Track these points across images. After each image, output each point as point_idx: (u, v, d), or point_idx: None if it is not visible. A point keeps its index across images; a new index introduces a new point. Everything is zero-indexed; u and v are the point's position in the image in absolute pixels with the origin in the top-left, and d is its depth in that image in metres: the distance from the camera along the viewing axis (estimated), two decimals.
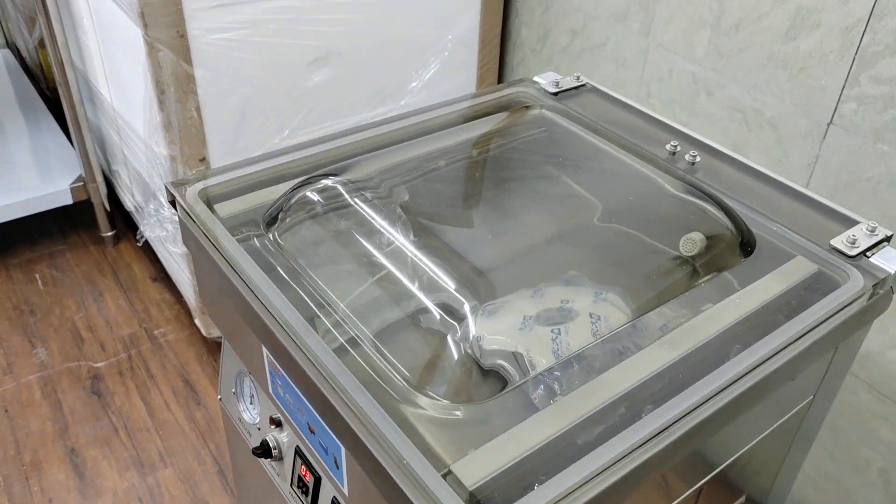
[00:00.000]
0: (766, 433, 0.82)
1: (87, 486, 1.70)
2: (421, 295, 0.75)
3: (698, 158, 0.95)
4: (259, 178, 0.87)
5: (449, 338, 0.72)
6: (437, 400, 0.64)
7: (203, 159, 1.62)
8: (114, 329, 2.06)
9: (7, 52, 2.88)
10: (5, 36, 2.92)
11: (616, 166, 0.96)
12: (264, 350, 0.76)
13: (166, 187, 0.83)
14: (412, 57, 1.80)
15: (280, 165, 0.89)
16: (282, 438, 0.86)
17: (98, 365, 1.96)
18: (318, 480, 0.79)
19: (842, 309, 0.76)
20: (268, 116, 1.66)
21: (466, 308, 0.74)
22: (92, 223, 2.35)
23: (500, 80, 2.04)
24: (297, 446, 0.82)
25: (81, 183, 2.19)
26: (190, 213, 0.79)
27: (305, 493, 0.83)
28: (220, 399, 1.01)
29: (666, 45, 1.55)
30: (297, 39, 1.61)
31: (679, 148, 0.97)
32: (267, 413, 0.87)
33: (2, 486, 1.69)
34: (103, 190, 2.21)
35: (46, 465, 1.73)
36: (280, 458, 0.87)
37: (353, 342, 0.68)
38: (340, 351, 0.67)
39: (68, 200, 2.19)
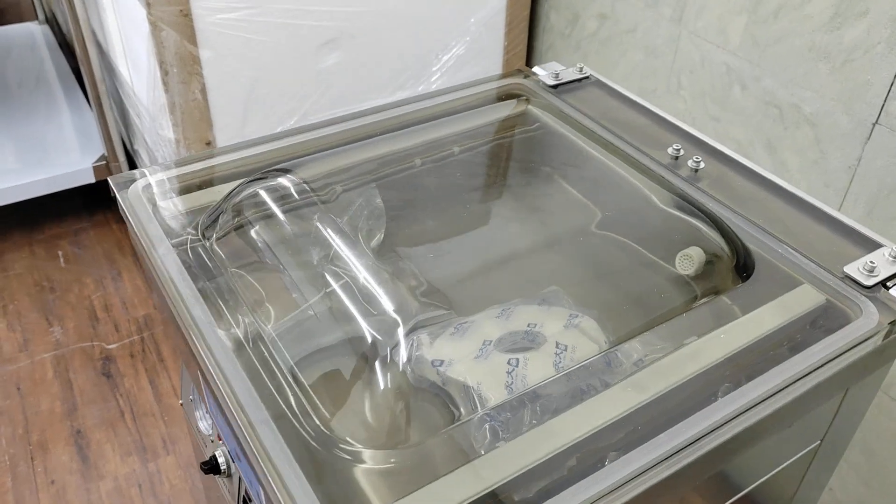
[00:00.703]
0: (759, 482, 0.72)
1: (90, 469, 1.69)
2: (358, 316, 0.67)
3: (703, 164, 0.85)
4: (218, 174, 0.80)
5: (378, 367, 0.64)
6: (352, 445, 0.56)
7: (209, 143, 1.57)
8: (129, 309, 2.05)
9: (46, 27, 2.89)
10: (45, 11, 2.93)
11: (607, 172, 0.86)
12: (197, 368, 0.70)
13: (108, 182, 0.77)
14: (432, 40, 1.71)
15: (243, 159, 0.82)
16: (229, 457, 0.80)
17: (110, 346, 1.95)
18: None
19: (851, 348, 0.66)
20: (277, 100, 1.60)
21: (400, 332, 0.66)
22: (116, 202, 2.33)
23: (529, 65, 1.93)
24: (236, 468, 0.76)
25: (104, 162, 2.17)
26: (128, 212, 0.74)
27: None
28: (182, 404, 0.96)
29: (699, 32, 1.43)
30: (308, 20, 1.54)
31: (683, 152, 0.86)
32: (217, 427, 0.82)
33: (7, 465, 1.69)
34: (125, 169, 2.19)
35: (52, 446, 1.73)
36: (228, 475, 0.81)
37: (275, 371, 0.61)
38: (260, 381, 0.60)
39: (90, 179, 2.18)
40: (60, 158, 2.19)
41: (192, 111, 1.51)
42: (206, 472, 0.80)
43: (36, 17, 2.92)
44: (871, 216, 1.20)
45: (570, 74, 1.01)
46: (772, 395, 0.61)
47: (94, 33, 1.98)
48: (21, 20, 3.02)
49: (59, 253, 2.22)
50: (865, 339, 0.67)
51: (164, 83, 1.48)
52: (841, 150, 1.25)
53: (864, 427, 1.29)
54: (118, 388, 1.85)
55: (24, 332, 1.98)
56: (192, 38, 1.45)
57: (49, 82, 2.58)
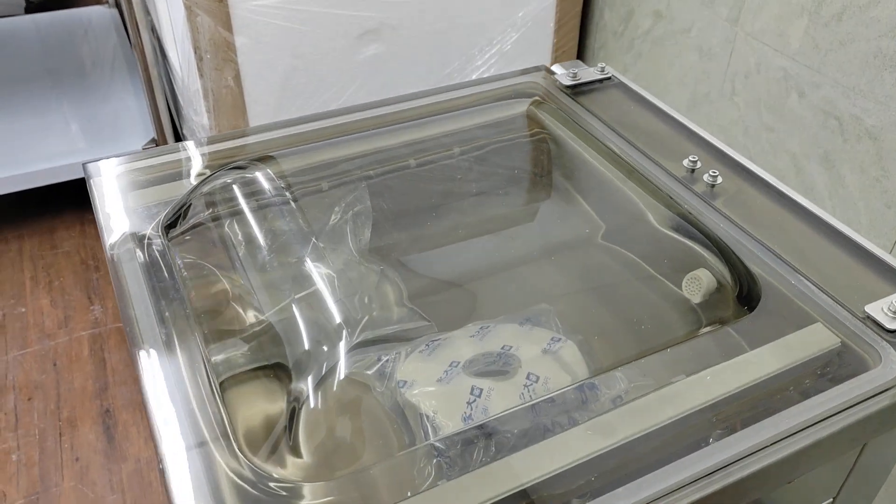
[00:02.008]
0: None
1: (115, 449, 1.70)
2: (301, 329, 0.62)
3: (720, 179, 0.76)
4: (197, 164, 0.77)
5: (310, 384, 0.59)
6: (278, 481, 0.51)
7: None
8: None
9: (115, 11, 2.96)
10: None
11: (609, 184, 0.79)
12: None
13: (83, 167, 0.74)
14: (477, 34, 1.65)
15: (229, 150, 0.78)
16: None
17: None
18: None
19: (867, 399, 0.57)
20: (313, 91, 1.57)
21: (342, 347, 0.60)
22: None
23: None
24: None
25: (154, 145, 2.20)
26: (97, 200, 0.70)
27: None
28: None
29: (756, 34, 1.33)
30: (347, 9, 1.50)
31: (700, 164, 0.78)
32: None
33: (37, 439, 1.72)
34: None
35: (80, 423, 1.75)
36: None
37: (204, 390, 0.57)
38: (187, 402, 0.55)
39: None
40: (117, 140, 2.23)
41: (225, 98, 1.49)
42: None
43: (106, 0, 2.99)
44: (888, 252, 1.09)
45: (589, 75, 0.94)
46: (764, 448, 0.54)
47: (147, 17, 1.99)
48: (94, 2, 3.10)
49: None
50: (886, 390, 0.58)
51: (199, 69, 1.47)
52: None
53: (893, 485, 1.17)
54: None
55: (66, 308, 2.02)
56: (227, 24, 1.43)
57: (116, 65, 2.63)
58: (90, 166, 0.74)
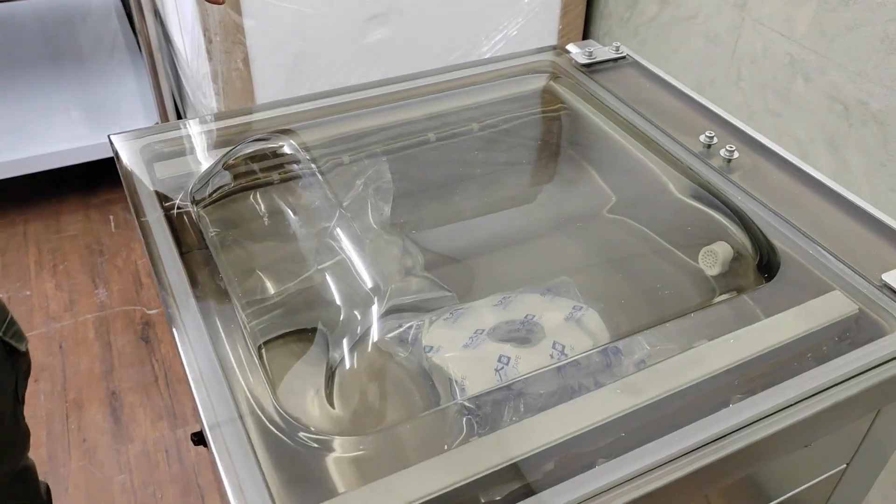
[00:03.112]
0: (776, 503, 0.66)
1: (122, 430, 1.71)
2: (336, 294, 0.64)
3: (736, 154, 0.77)
4: (221, 137, 0.78)
5: (345, 346, 0.60)
6: (311, 433, 0.52)
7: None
8: None
9: None
10: None
11: (625, 158, 0.80)
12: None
13: (109, 139, 0.75)
14: (484, 19, 1.65)
15: (251, 123, 0.79)
16: None
17: (151, 312, 1.98)
18: None
19: (883, 364, 0.59)
20: (321, 74, 1.58)
21: (374, 312, 0.62)
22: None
23: None
24: None
25: None
26: (125, 172, 0.71)
27: None
28: None
29: (763, 19, 1.34)
30: None
31: (716, 139, 0.79)
32: None
33: (44, 421, 1.73)
34: None
35: (87, 405, 1.76)
36: None
37: (241, 350, 0.58)
38: (226, 361, 0.57)
39: None
40: (120, 124, 2.23)
41: (234, 81, 1.50)
42: (196, 443, 0.78)
43: None
44: None
45: (604, 53, 0.95)
46: (783, 409, 0.55)
47: (152, 1, 1.99)
48: None
49: (111, 217, 2.26)
50: None
51: (208, 51, 1.48)
52: None
53: None
54: (155, 354, 1.88)
55: (71, 292, 2.02)
56: (236, 6, 1.43)
57: (118, 50, 2.63)
58: (116, 138, 0.75)
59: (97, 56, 2.61)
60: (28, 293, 2.01)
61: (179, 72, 2.03)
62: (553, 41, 1.77)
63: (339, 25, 1.53)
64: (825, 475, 0.68)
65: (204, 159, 0.74)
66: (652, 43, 1.63)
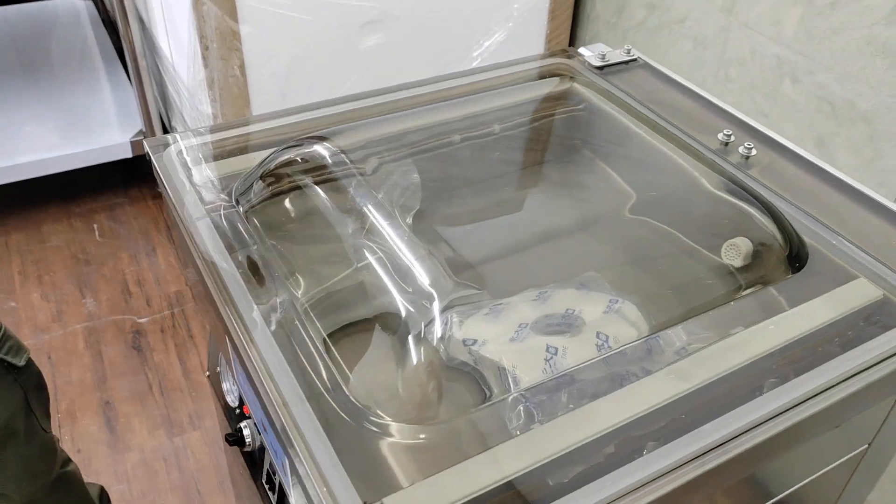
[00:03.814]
0: (800, 485, 0.69)
1: (117, 440, 1.70)
2: (392, 290, 0.65)
3: (754, 152, 0.81)
4: (253, 141, 0.79)
5: (412, 341, 0.62)
6: (381, 418, 0.54)
7: None
8: (161, 285, 2.06)
9: (90, 3, 2.92)
10: None
11: (652, 155, 0.83)
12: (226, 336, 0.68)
13: (144, 145, 0.76)
14: (474, 24, 1.68)
15: (278, 128, 0.80)
16: (256, 430, 0.79)
17: (142, 320, 1.96)
18: (282, 484, 0.71)
19: None
20: (316, 80, 1.59)
21: (436, 307, 0.64)
22: (153, 178, 2.35)
23: None
24: (262, 440, 0.75)
25: (142, 137, 2.19)
26: (163, 176, 0.72)
27: (273, 491, 0.75)
28: (208, 375, 0.95)
29: (751, 23, 1.39)
30: (350, 0, 1.53)
31: (734, 138, 0.83)
32: (243, 400, 0.81)
33: None
34: None
35: (80, 416, 1.74)
36: (253, 450, 0.80)
37: (307, 342, 0.59)
38: (291, 352, 0.58)
39: (128, 154, 2.19)
40: (99, 133, 2.21)
41: (231, 87, 1.50)
42: (231, 443, 0.79)
43: None
44: None
45: (616, 56, 0.98)
46: (822, 392, 0.58)
47: (136, 8, 1.98)
48: None
49: (96, 226, 2.24)
50: None
51: (204, 58, 1.48)
52: None
53: None
54: (147, 362, 1.86)
55: (58, 302, 2.00)
56: (233, 13, 1.44)
57: (91, 57, 2.60)
58: (148, 143, 0.76)
59: (69, 64, 2.58)
60: (14, 305, 1.98)
61: (165, 79, 2.02)
62: (541, 45, 1.80)
63: (334, 31, 1.54)
64: (849, 455, 0.72)
65: (237, 163, 0.76)
66: (640, 46, 1.67)
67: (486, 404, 0.58)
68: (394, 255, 0.67)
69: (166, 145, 0.77)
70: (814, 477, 0.70)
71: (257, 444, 0.79)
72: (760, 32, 1.38)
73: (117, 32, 2.64)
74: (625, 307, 0.67)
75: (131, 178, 2.41)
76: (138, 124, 2.19)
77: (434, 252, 0.73)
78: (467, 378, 0.64)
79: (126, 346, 1.90)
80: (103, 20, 2.81)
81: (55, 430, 1.71)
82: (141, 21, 2.01)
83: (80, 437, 1.70)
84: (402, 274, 0.66)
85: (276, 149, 0.76)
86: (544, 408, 0.56)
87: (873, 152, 1.24)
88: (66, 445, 1.68)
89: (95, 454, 1.66)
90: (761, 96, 1.41)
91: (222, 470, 1.64)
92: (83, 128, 2.23)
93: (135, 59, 2.01)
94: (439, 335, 0.61)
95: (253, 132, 0.81)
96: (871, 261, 0.69)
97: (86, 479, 1.60)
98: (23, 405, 0.97)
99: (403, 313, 0.64)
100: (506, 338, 0.64)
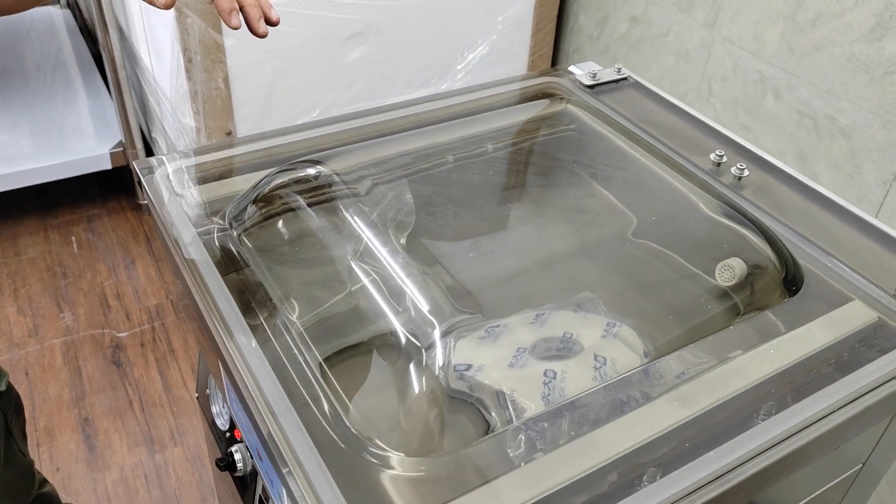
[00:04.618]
0: None
1: (97, 458, 1.67)
2: (389, 314, 0.65)
3: (746, 172, 0.82)
4: (241, 163, 0.78)
5: (412, 369, 0.61)
6: (382, 449, 0.54)
7: (230, 133, 1.55)
8: (141, 298, 2.03)
9: (67, 12, 2.88)
10: None
11: (646, 176, 0.84)
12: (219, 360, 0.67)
13: (134, 168, 0.75)
14: (459, 37, 1.68)
15: (266, 150, 0.80)
16: (248, 455, 0.78)
17: (121, 335, 1.93)
18: None
19: None
20: (300, 92, 1.58)
21: (436, 333, 0.63)
22: (132, 189, 2.32)
23: (554, 68, 1.91)
24: (254, 465, 0.74)
25: (121, 149, 2.16)
26: (154, 199, 0.71)
27: None
28: (197, 397, 0.93)
29: (733, 38, 1.40)
30: (334, 12, 1.52)
31: (725, 158, 0.84)
32: (234, 424, 0.79)
33: None
34: (143, 156, 2.17)
35: (59, 433, 1.71)
36: (244, 475, 0.79)
37: (304, 368, 0.59)
38: (287, 378, 0.57)
39: (107, 165, 2.16)
40: (77, 144, 2.18)
41: (215, 100, 1.49)
42: (222, 469, 0.78)
43: (57, 1, 2.91)
44: None
45: (607, 75, 0.99)
46: (826, 416, 0.59)
47: (116, 18, 1.96)
48: (42, 3, 3.00)
49: (73, 239, 2.20)
50: None
51: (187, 70, 1.46)
52: (876, 165, 1.22)
53: None
54: (127, 378, 1.83)
55: (34, 317, 1.96)
56: (217, 25, 1.42)
57: (67, 67, 2.56)
58: (139, 164, 0.75)
59: (45, 73, 2.54)
60: None
61: (146, 90, 2.00)
62: (525, 59, 1.81)
63: (318, 44, 1.53)
64: (845, 475, 0.72)
65: (228, 186, 0.75)
66: (623, 60, 1.68)
67: (489, 436, 0.57)
68: (391, 279, 0.67)
69: (155, 167, 0.76)
70: (809, 498, 0.71)
71: (248, 468, 0.77)
72: (742, 48, 1.39)
73: (95, 41, 2.61)
74: (623, 331, 0.67)
75: (109, 189, 2.38)
76: (117, 135, 2.16)
77: (431, 275, 0.73)
78: (468, 407, 0.64)
79: (105, 361, 1.87)
80: (80, 29, 2.77)
81: (33, 448, 1.67)
82: (120, 30, 1.98)
83: (58, 455, 1.67)
84: (399, 298, 0.65)
85: (270, 171, 0.75)
86: (546, 437, 0.56)
87: (853, 168, 1.26)
88: (45, 464, 1.65)
89: (74, 473, 1.63)
90: (744, 111, 1.43)
91: (205, 487, 1.61)
92: (61, 139, 2.19)
93: (114, 70, 1.99)
94: (441, 363, 0.61)
95: (242, 154, 0.80)
96: (865, 283, 0.70)
97: (65, 499, 1.57)
98: (2, 430, 0.95)
99: (402, 339, 0.63)
100: (504, 363, 0.64)
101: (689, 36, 1.50)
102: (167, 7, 0.61)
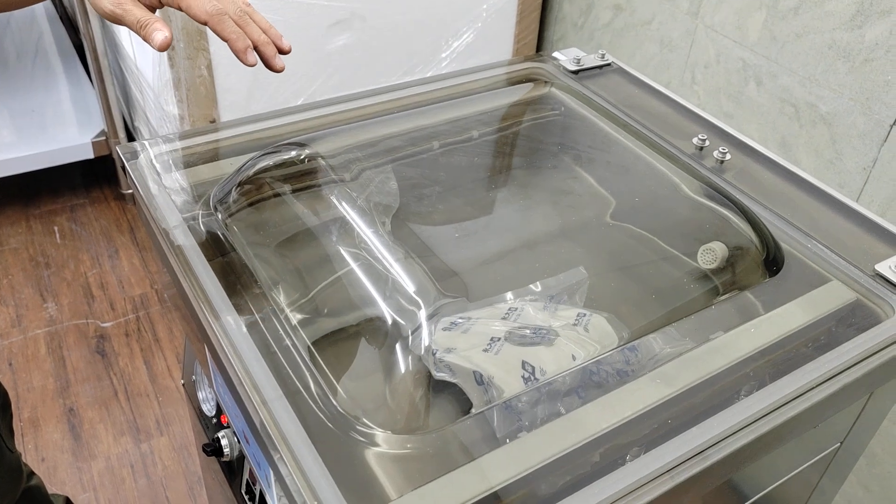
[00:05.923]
0: (777, 484, 0.71)
1: (82, 447, 1.67)
2: (376, 297, 0.65)
3: (728, 156, 0.83)
4: (225, 147, 0.78)
5: (398, 350, 0.62)
6: (370, 427, 0.54)
7: (213, 121, 1.54)
8: (125, 288, 2.02)
9: (48, 1, 2.85)
10: None
11: (630, 159, 0.84)
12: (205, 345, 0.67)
13: (117, 152, 0.75)
14: (443, 25, 1.68)
15: (250, 134, 0.80)
16: (234, 439, 0.78)
17: (105, 325, 1.93)
18: (262, 494, 0.71)
19: (881, 350, 0.64)
20: (284, 80, 1.57)
21: (422, 315, 0.64)
22: (115, 178, 2.31)
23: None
24: (241, 450, 0.74)
25: (104, 138, 2.14)
26: (137, 183, 0.71)
27: (252, 500, 0.75)
28: (183, 384, 0.93)
29: (716, 26, 1.41)
30: (318, 0, 1.51)
31: (708, 143, 0.84)
32: (221, 409, 0.80)
33: None
34: None
35: (43, 423, 1.70)
36: (231, 460, 0.79)
37: (291, 351, 0.59)
38: (275, 361, 0.58)
39: (89, 155, 2.15)
40: (59, 133, 2.16)
41: (198, 87, 1.48)
42: (209, 454, 0.78)
43: None
44: (884, 219, 1.19)
45: (591, 61, 0.99)
46: (805, 393, 0.60)
47: None
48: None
49: (56, 229, 2.19)
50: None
51: (170, 58, 1.45)
52: (856, 151, 1.23)
53: None
54: (112, 367, 1.83)
55: (17, 307, 1.95)
56: None
57: (48, 55, 2.54)
58: (122, 149, 0.75)
59: (25, 62, 2.51)
60: None
61: (128, 78, 1.99)
62: (509, 47, 1.81)
63: (302, 32, 1.53)
64: (823, 454, 0.74)
65: (212, 170, 0.75)
66: (607, 48, 1.69)
67: (473, 414, 0.58)
68: (377, 263, 0.67)
69: (139, 152, 0.76)
70: (788, 477, 0.72)
71: (235, 453, 0.78)
72: (725, 35, 1.40)
73: (76, 29, 2.58)
74: (594, 320, 0.68)
75: (92, 178, 2.36)
76: (100, 124, 2.14)
77: (416, 258, 0.73)
78: (453, 388, 0.65)
79: (90, 351, 1.86)
80: (61, 17, 2.74)
81: (18, 439, 1.67)
82: (101, 18, 1.96)
83: (44, 445, 1.66)
84: (385, 281, 0.65)
85: (253, 154, 0.75)
86: (530, 415, 0.57)
87: (833, 154, 1.27)
88: (30, 454, 1.65)
89: (60, 463, 1.63)
90: (726, 98, 1.44)
91: (191, 475, 1.62)
92: (42, 128, 2.17)
93: (96, 58, 1.97)
94: (426, 344, 0.61)
95: (227, 137, 0.80)
96: (844, 264, 0.71)
97: (51, 489, 1.57)
98: None
99: (389, 321, 0.64)
100: (479, 348, 0.64)
101: (673, 24, 1.50)
102: (162, 49, 0.61)
